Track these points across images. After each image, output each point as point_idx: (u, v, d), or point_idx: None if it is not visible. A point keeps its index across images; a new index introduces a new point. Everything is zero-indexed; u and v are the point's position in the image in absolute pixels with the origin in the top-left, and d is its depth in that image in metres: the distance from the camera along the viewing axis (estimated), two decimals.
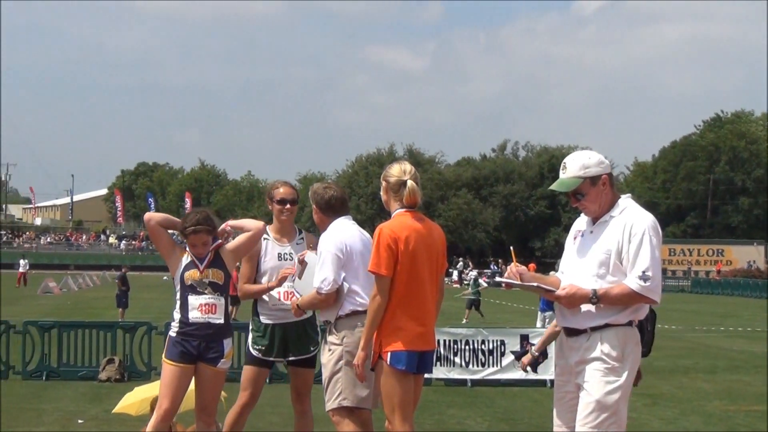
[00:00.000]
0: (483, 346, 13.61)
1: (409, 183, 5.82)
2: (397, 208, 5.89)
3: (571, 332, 5.16)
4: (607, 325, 5.04)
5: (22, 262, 52.10)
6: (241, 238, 6.78)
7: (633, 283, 4.97)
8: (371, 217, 78.26)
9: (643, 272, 4.95)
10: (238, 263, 6.98)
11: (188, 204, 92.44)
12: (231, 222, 6.98)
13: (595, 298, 5.01)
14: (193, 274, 6.54)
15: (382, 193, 6.00)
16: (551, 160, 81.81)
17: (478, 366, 13.59)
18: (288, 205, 7.03)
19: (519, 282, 5.25)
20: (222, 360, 6.56)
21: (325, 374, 6.22)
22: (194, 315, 6.49)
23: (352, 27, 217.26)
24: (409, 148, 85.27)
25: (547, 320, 19.64)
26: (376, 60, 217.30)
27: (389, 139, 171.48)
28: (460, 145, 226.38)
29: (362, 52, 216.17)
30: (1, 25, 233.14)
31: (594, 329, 5.05)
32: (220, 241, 6.73)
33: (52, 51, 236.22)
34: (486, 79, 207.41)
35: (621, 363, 5.01)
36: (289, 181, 7.33)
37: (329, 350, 6.23)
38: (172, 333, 6.58)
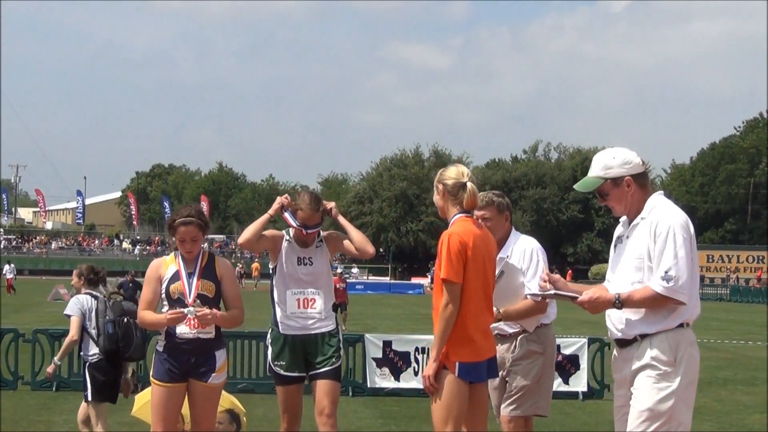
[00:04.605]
0: None
1: (469, 185, 5.73)
2: (455, 213, 5.78)
3: (622, 343, 5.07)
4: (656, 332, 4.92)
5: (7, 267, 46.18)
6: (231, 287, 6.47)
7: (656, 284, 4.84)
8: (395, 220, 75.87)
9: (666, 272, 4.82)
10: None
11: (205, 208, 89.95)
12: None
13: (619, 302, 4.93)
14: (179, 287, 6.27)
15: (436, 197, 5.85)
16: (584, 163, 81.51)
17: None
18: (308, 231, 6.76)
19: (540, 292, 5.32)
20: (213, 374, 6.29)
21: (519, 382, 6.39)
22: (182, 330, 6.23)
23: (373, 23, 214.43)
24: (434, 149, 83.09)
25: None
26: (399, 57, 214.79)
27: (413, 140, 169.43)
28: (488, 147, 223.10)
29: (384, 50, 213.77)
30: (0, 23, 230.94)
31: (643, 336, 4.94)
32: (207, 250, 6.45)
33: (63, 49, 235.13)
34: (515, 77, 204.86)
35: (674, 367, 4.86)
36: (317, 194, 6.96)
37: (529, 358, 6.44)
38: (159, 348, 6.39)
